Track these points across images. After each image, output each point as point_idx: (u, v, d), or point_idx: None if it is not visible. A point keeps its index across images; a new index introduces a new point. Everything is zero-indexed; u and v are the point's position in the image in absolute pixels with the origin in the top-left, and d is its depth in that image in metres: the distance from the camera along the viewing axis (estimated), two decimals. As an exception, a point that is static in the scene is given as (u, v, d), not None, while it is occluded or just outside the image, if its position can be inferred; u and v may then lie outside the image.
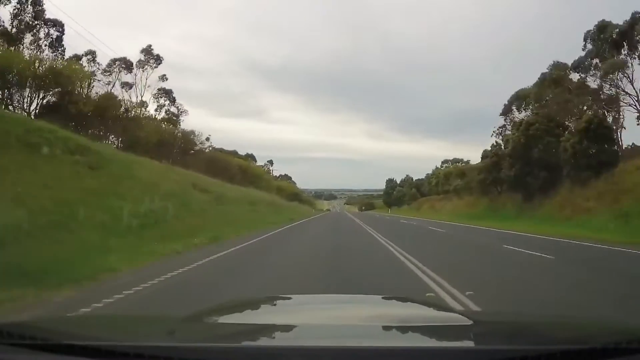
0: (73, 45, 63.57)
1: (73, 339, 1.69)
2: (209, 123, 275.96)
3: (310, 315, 2.53)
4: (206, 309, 2.69)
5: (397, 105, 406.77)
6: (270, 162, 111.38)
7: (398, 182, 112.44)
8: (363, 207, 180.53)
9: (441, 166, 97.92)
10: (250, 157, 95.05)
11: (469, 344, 2.00)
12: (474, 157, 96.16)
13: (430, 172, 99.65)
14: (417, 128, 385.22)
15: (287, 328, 2.12)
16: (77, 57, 37.61)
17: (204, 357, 1.61)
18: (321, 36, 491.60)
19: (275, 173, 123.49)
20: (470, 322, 2.36)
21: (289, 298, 3.23)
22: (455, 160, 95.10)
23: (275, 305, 2.90)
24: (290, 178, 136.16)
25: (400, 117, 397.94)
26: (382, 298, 3.56)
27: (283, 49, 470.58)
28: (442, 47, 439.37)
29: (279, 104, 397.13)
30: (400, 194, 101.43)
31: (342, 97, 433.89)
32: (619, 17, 38.88)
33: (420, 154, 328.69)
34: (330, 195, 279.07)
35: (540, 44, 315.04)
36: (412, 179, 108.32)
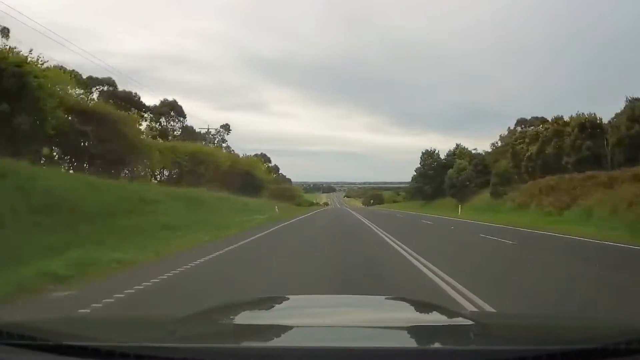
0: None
1: (73, 339, 1.68)
2: (208, 116, 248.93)
3: (309, 316, 2.47)
4: (206, 309, 2.68)
5: (397, 99, 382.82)
6: (225, 128, 65.58)
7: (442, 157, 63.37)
8: (372, 201, 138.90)
9: (514, 128, 54.54)
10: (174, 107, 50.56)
11: (469, 344, 1.92)
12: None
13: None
14: (417, 122, 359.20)
15: (287, 329, 2.09)
16: None
17: (204, 357, 1.60)
18: (321, 30, 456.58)
19: (249, 152, 79.00)
20: (470, 323, 2.32)
21: (289, 299, 3.15)
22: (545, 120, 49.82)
23: (274, 305, 2.83)
24: (269, 160, 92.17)
25: (401, 111, 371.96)
26: (382, 299, 3.42)
27: (282, 43, 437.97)
28: (442, 42, 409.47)
29: (279, 97, 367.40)
30: (466, 175, 50.10)
31: (342, 91, 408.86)
32: None
33: (421, 148, 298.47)
34: (329, 188, 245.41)
35: (542, 39, 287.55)
36: (466, 149, 61.07)
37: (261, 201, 41.84)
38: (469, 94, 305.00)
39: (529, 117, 55.81)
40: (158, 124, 47.97)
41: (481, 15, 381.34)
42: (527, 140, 42.50)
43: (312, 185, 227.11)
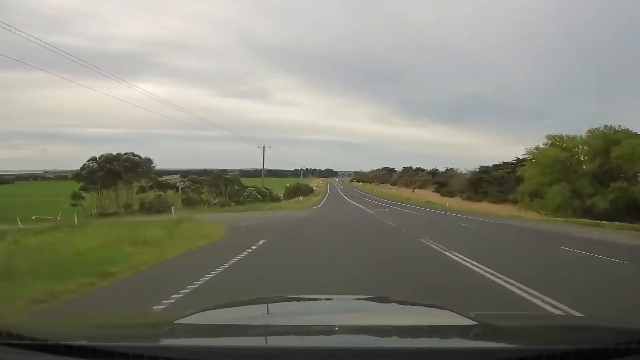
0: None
1: (72, 339, 1.68)
2: (212, 103, 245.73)
3: (309, 316, 2.49)
4: (205, 309, 2.63)
5: (403, 90, 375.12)
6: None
7: None
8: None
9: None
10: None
11: (469, 344, 1.93)
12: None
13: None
14: (422, 113, 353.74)
15: (287, 329, 2.10)
16: None
17: (203, 357, 1.60)
18: (327, 17, 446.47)
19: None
20: (470, 323, 2.25)
21: (289, 299, 3.16)
22: None
23: (274, 305, 2.80)
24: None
25: (406, 102, 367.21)
26: (383, 300, 3.36)
27: (288, 32, 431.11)
28: (450, 33, 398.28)
29: (283, 85, 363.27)
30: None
31: (348, 80, 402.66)
32: None
33: (425, 139, 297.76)
34: (328, 172, 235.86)
35: (552, 33, 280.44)
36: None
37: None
38: (475, 85, 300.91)
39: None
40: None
41: (490, 5, 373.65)
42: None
43: (307, 169, 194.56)
